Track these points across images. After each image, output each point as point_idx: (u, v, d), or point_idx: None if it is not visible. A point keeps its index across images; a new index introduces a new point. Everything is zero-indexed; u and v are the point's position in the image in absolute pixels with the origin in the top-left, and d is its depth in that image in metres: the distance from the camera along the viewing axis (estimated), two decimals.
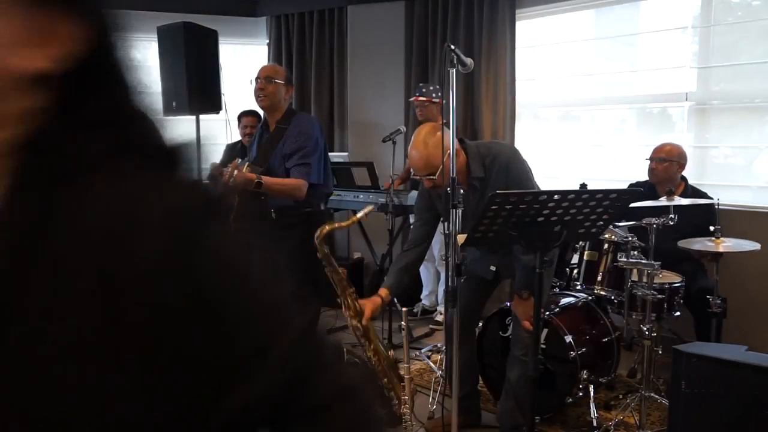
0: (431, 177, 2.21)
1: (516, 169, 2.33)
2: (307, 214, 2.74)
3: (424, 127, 2.33)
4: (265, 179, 2.59)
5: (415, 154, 2.27)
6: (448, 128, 2.12)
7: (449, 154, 2.09)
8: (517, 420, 2.55)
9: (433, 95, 4.04)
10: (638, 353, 3.18)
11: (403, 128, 3.89)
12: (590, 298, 3.10)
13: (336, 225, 2.23)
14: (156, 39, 4.54)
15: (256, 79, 2.72)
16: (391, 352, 2.33)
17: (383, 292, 2.40)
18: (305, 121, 2.78)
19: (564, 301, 3.05)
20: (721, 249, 2.73)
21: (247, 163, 2.70)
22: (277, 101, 2.72)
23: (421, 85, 4.20)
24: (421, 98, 4.05)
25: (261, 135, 2.85)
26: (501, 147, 2.48)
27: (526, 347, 2.46)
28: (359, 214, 2.21)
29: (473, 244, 1.96)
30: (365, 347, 2.30)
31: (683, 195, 3.22)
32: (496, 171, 2.31)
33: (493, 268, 2.66)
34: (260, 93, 2.70)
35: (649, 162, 3.38)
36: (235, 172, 2.47)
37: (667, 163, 3.31)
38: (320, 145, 2.74)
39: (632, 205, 2.74)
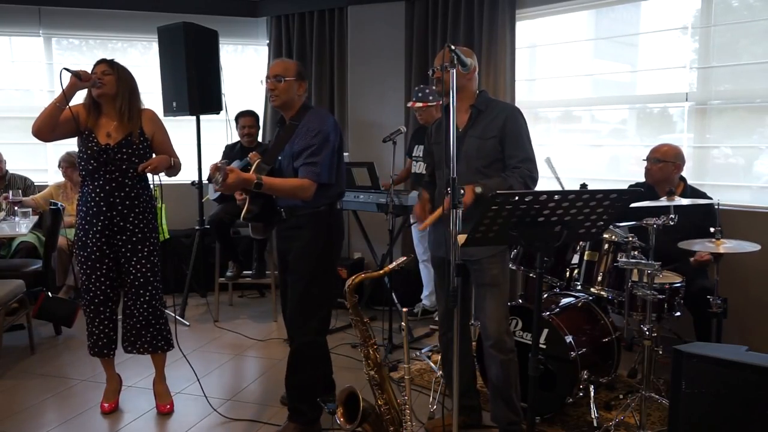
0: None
1: (514, 122, 2.46)
2: (316, 214, 2.60)
3: None
4: (266, 179, 2.49)
5: None
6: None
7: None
8: (510, 418, 2.53)
9: (430, 98, 3.95)
10: (638, 353, 3.17)
11: (403, 128, 3.86)
12: (590, 298, 3.10)
13: (369, 274, 2.29)
14: (156, 39, 4.54)
15: (267, 78, 2.64)
16: (399, 400, 2.30)
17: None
18: (315, 117, 2.62)
19: (564, 301, 3.05)
20: (721, 250, 2.72)
21: (257, 162, 2.61)
22: (290, 99, 2.62)
23: (416, 89, 4.10)
24: (418, 104, 3.99)
25: (278, 133, 2.78)
26: (511, 105, 2.67)
27: (493, 337, 2.46)
28: (393, 264, 2.23)
29: (474, 245, 1.95)
30: (377, 396, 2.28)
31: (682, 195, 3.20)
32: (496, 113, 2.47)
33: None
34: (271, 93, 2.62)
35: (645, 162, 3.38)
36: (217, 174, 2.36)
37: (662, 164, 3.30)
38: (332, 142, 2.58)
39: (632, 205, 2.73)
